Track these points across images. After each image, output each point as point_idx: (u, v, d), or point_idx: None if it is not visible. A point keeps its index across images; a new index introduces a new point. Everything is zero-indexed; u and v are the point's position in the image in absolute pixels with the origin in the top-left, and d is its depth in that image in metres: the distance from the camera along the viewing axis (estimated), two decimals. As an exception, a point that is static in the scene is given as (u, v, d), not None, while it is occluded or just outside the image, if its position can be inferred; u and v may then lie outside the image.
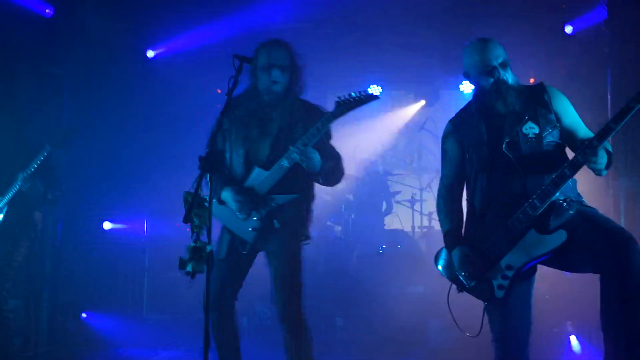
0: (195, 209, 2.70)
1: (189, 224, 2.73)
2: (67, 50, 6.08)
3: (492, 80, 3.17)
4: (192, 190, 2.76)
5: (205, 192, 2.77)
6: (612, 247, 2.81)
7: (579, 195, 3.14)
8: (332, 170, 3.74)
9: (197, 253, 2.66)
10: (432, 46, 7.44)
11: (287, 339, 3.66)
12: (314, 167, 3.57)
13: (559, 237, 2.97)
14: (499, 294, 3.12)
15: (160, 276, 6.52)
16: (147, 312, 6.49)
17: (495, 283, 3.14)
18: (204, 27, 6.75)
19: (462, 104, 3.50)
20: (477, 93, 3.32)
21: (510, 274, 3.09)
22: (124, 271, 6.69)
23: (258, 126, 3.66)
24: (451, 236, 3.31)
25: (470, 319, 3.33)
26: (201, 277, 2.70)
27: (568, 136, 3.14)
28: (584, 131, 3.14)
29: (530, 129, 3.09)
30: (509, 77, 3.17)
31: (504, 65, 3.17)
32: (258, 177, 3.61)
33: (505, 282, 3.10)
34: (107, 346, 5.67)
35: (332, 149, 3.80)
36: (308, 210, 3.78)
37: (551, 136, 3.10)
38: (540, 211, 2.99)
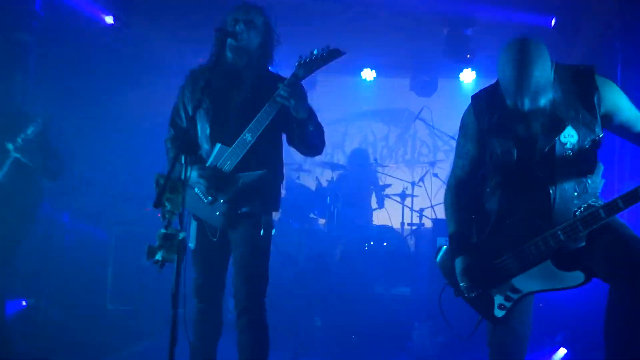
0: (168, 193, 2.69)
1: (160, 209, 2.72)
2: (33, 17, 6.06)
3: (513, 105, 2.94)
4: (165, 173, 2.75)
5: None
6: (625, 257, 2.80)
7: (599, 199, 3.09)
8: (319, 126, 3.62)
9: (168, 241, 2.65)
10: (433, 30, 7.44)
11: (242, 338, 3.55)
12: (304, 109, 3.44)
13: (575, 279, 2.96)
14: (499, 313, 3.15)
15: (126, 265, 6.49)
16: (110, 302, 6.45)
17: (496, 301, 3.16)
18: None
19: (462, 94, 3.42)
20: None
21: (515, 296, 3.12)
22: (86, 259, 6.65)
23: (222, 98, 3.58)
24: (457, 241, 3.24)
25: (461, 321, 3.36)
26: (172, 267, 2.70)
27: (624, 131, 3.04)
28: None
29: (569, 137, 2.94)
30: (540, 102, 2.90)
31: (538, 91, 2.86)
32: (221, 154, 3.53)
33: (508, 304, 3.12)
34: (66, 339, 5.64)
35: None
36: (276, 191, 3.70)
37: (589, 144, 2.98)
38: (564, 245, 2.95)
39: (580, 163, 2.98)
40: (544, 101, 2.90)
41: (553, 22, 6.31)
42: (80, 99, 6.45)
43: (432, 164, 8.51)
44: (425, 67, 9.13)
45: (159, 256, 2.66)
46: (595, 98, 2.94)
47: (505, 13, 6.73)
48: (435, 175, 8.25)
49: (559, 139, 2.95)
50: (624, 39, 5.70)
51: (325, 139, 3.75)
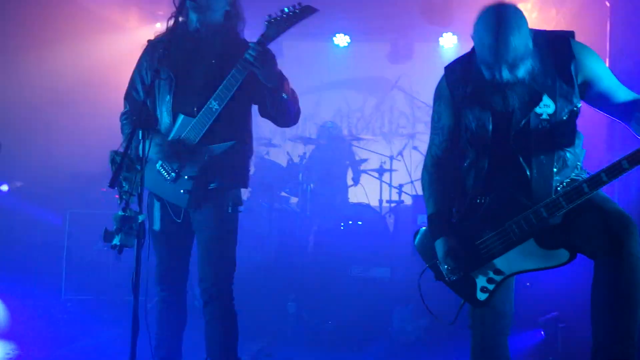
0: (125, 171, 2.67)
1: (116, 189, 2.70)
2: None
3: (490, 76, 2.94)
4: (121, 150, 2.73)
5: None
6: (607, 231, 2.85)
7: (582, 170, 3.13)
8: (294, 93, 3.58)
9: (126, 224, 2.64)
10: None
11: (209, 327, 3.55)
12: (273, 75, 3.40)
13: (560, 257, 2.99)
14: (482, 296, 3.18)
15: (82, 250, 6.44)
16: (66, 292, 6.41)
17: (479, 284, 3.19)
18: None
19: (442, 60, 3.42)
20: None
21: (498, 278, 3.14)
22: (38, 244, 6.59)
23: (184, 66, 3.51)
24: (437, 222, 3.26)
25: (443, 305, 3.39)
26: (131, 252, 2.68)
27: (602, 101, 3.03)
28: (624, 93, 3.01)
29: (545, 107, 2.97)
30: (519, 72, 2.90)
31: (516, 61, 2.86)
32: (184, 126, 3.47)
33: (491, 286, 3.16)
34: (18, 331, 5.60)
35: None
36: (245, 166, 3.66)
37: (567, 115, 3.00)
38: (546, 222, 2.98)
39: (557, 136, 3.01)
40: (522, 71, 2.90)
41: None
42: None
43: (412, 136, 8.54)
44: (402, 32, 9.12)
45: (116, 240, 2.65)
46: (572, 66, 2.95)
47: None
48: (415, 148, 8.28)
49: (535, 110, 2.98)
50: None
51: None
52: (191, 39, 3.55)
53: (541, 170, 3.01)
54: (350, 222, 7.16)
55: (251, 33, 3.62)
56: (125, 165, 2.66)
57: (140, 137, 2.76)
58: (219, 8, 3.54)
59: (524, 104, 2.99)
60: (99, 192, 6.55)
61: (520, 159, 3.03)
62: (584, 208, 2.91)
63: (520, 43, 2.84)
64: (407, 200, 8.01)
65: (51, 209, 6.79)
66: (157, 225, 3.61)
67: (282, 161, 8.25)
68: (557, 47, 3.00)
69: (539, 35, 2.99)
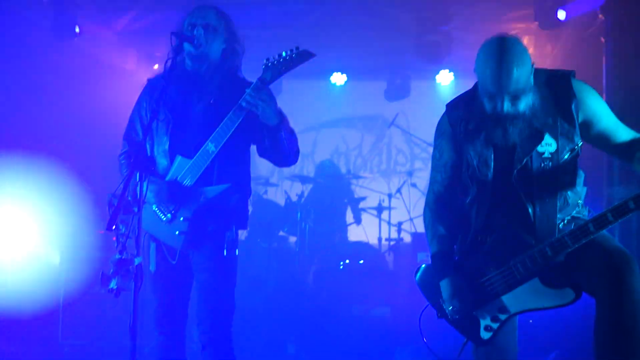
0: (122, 214, 2.66)
1: (113, 231, 2.68)
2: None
3: (491, 108, 2.95)
4: (118, 192, 2.72)
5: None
6: (608, 269, 2.85)
7: (584, 207, 3.13)
8: (292, 132, 3.57)
9: (123, 267, 2.62)
10: (405, 29, 7.48)
11: None
12: (274, 114, 3.38)
13: (565, 297, 2.99)
14: (486, 335, 3.16)
15: (79, 294, 6.39)
16: (63, 337, 6.34)
17: (483, 323, 3.17)
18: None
19: (439, 98, 3.43)
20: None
21: (502, 317, 3.13)
22: (33, 287, 6.53)
23: (182, 108, 3.52)
24: (441, 261, 3.24)
25: (445, 344, 3.36)
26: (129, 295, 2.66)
27: (602, 140, 3.06)
28: (625, 132, 3.04)
29: (547, 145, 2.99)
30: (520, 106, 2.92)
31: (518, 93, 2.89)
32: (181, 167, 3.46)
33: (495, 325, 3.14)
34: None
35: None
36: (243, 207, 3.64)
37: (568, 153, 3.02)
38: (550, 261, 2.97)
39: (560, 175, 3.02)
40: (523, 105, 2.93)
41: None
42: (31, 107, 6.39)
43: (410, 173, 8.55)
44: (399, 70, 9.19)
45: (113, 284, 2.63)
46: (573, 105, 2.97)
47: (484, 8, 6.80)
48: (414, 185, 8.29)
49: (537, 149, 2.99)
50: (610, 34, 5.81)
51: None
52: (189, 79, 3.56)
53: (544, 208, 3.01)
54: (347, 262, 7.12)
55: (251, 69, 3.66)
56: (122, 208, 2.65)
57: (137, 179, 2.76)
58: (217, 47, 3.56)
59: (524, 139, 3.00)
60: (96, 234, 6.52)
61: (523, 196, 3.03)
62: (584, 246, 2.91)
63: (522, 74, 2.87)
64: (407, 238, 7.98)
65: (48, 251, 6.75)
66: (152, 266, 3.58)
67: (280, 200, 8.24)
68: (558, 86, 3.02)
69: (539, 74, 3.02)
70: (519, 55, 2.88)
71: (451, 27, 7.26)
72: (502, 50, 2.88)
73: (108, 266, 2.65)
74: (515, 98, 2.89)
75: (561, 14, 6.42)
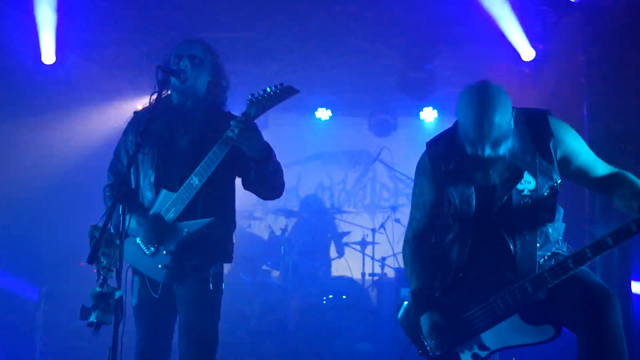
0: (104, 247, 2.64)
1: (94, 264, 2.66)
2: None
3: (472, 152, 2.99)
4: (100, 224, 2.70)
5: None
6: (589, 305, 2.87)
7: (563, 243, 3.17)
8: (279, 165, 3.56)
9: (104, 300, 2.59)
10: (390, 66, 7.56)
11: None
12: (260, 148, 3.37)
13: (545, 333, 3.00)
14: None
15: (58, 327, 6.31)
16: (40, 370, 6.24)
17: (463, 359, 3.17)
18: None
19: (423, 134, 3.45)
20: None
21: (482, 354, 3.13)
22: (12, 320, 6.45)
23: (167, 141, 3.52)
24: (420, 297, 3.26)
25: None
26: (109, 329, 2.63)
27: (581, 176, 3.11)
28: (602, 167, 3.09)
29: (527, 183, 3.03)
30: (500, 150, 2.96)
31: (499, 139, 2.93)
32: (165, 201, 3.46)
33: None
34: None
35: None
36: (227, 241, 3.63)
37: (547, 191, 3.06)
38: (530, 297, 2.98)
39: (539, 211, 3.06)
40: (503, 149, 2.98)
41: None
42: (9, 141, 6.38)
43: (394, 208, 8.56)
44: (383, 106, 9.25)
45: (93, 317, 2.60)
46: (551, 143, 3.03)
47: (468, 47, 6.89)
48: (397, 220, 8.29)
49: (517, 187, 3.03)
50: (589, 74, 5.90)
51: None
52: (175, 112, 3.56)
53: (525, 245, 3.04)
54: (330, 296, 7.09)
55: (236, 104, 3.67)
56: (104, 240, 2.63)
57: (120, 212, 2.74)
58: (202, 80, 3.58)
59: (504, 180, 3.04)
60: (77, 266, 6.46)
61: (504, 234, 3.06)
62: (565, 282, 2.94)
63: (503, 122, 2.92)
64: (390, 273, 7.96)
65: (27, 283, 6.68)
66: (135, 300, 3.56)
67: (264, 234, 8.21)
68: (535, 124, 3.07)
69: (517, 113, 3.07)
70: (500, 103, 2.92)
71: (435, 65, 7.34)
72: (483, 98, 2.93)
73: (88, 299, 2.63)
74: (496, 143, 2.94)
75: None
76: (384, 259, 8.10)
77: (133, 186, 3.55)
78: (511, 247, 3.04)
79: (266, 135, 3.49)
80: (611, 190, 2.99)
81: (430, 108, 8.96)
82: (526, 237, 3.03)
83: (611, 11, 5.61)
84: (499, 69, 7.07)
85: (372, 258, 8.19)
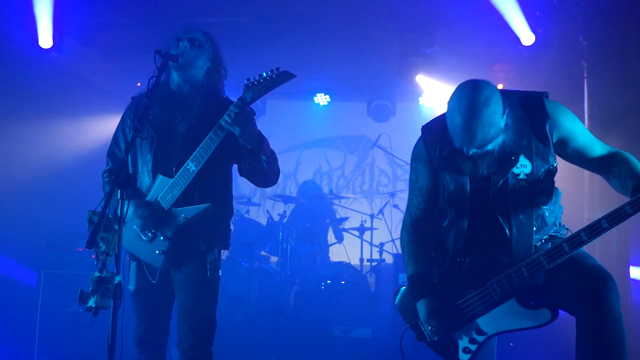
0: (102, 232, 2.64)
1: (93, 249, 2.66)
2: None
3: (459, 147, 3.00)
4: (99, 209, 2.70)
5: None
6: (587, 288, 2.88)
7: (561, 226, 3.18)
8: (273, 154, 3.58)
9: (103, 285, 2.60)
10: (389, 51, 7.54)
11: None
12: (252, 136, 3.38)
13: (542, 317, 3.01)
14: (464, 357, 3.18)
15: (56, 312, 6.32)
16: (39, 356, 6.26)
17: (461, 344, 3.19)
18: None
19: (422, 119, 3.43)
20: None
21: (480, 339, 3.15)
22: (10, 305, 6.45)
23: (165, 126, 3.53)
24: (417, 282, 3.27)
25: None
26: (107, 314, 2.63)
27: (579, 157, 3.09)
28: (600, 147, 3.07)
29: (522, 167, 3.02)
30: (488, 147, 2.96)
31: (484, 143, 2.92)
32: (162, 186, 3.47)
33: (473, 347, 3.16)
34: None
35: None
36: (224, 227, 3.65)
37: (543, 174, 3.05)
38: (527, 282, 2.99)
39: (536, 195, 3.06)
40: (491, 146, 2.97)
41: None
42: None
43: (392, 194, 8.57)
44: (382, 91, 9.24)
45: (92, 302, 2.60)
46: (547, 126, 3.01)
47: (467, 31, 6.87)
48: (396, 206, 8.30)
49: (512, 171, 3.02)
50: (590, 58, 5.89)
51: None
52: (173, 98, 3.56)
53: (521, 229, 3.04)
54: (329, 282, 7.10)
55: (233, 89, 3.66)
56: (102, 225, 2.63)
57: (118, 197, 2.74)
58: (201, 66, 3.58)
59: (493, 172, 3.04)
60: (75, 252, 6.46)
61: (500, 218, 3.06)
62: (563, 265, 2.94)
63: (489, 131, 2.88)
64: (388, 259, 7.98)
65: (25, 269, 6.68)
66: (132, 285, 3.57)
67: (262, 220, 8.22)
68: (531, 107, 3.05)
69: (512, 97, 3.05)
70: (487, 110, 2.87)
71: (434, 50, 7.32)
72: (469, 106, 2.88)
73: (87, 284, 2.63)
74: (481, 146, 2.94)
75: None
76: (382, 244, 8.11)
77: (131, 171, 3.55)
78: (507, 231, 3.05)
79: (264, 121, 3.50)
80: (608, 169, 2.98)
81: (429, 93, 8.94)
82: (522, 221, 3.03)
83: (611, -6, 5.60)
84: (498, 54, 7.07)
85: (371, 244, 8.21)
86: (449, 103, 2.98)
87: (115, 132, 3.71)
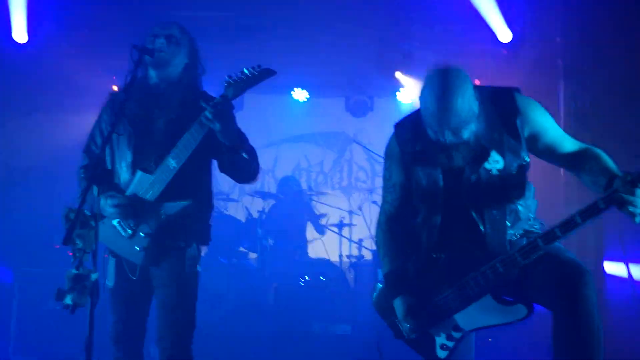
0: (78, 228, 2.62)
1: (70, 246, 2.64)
2: None
3: (435, 137, 2.97)
4: (75, 206, 2.68)
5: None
6: (563, 282, 2.90)
7: (536, 220, 3.19)
8: (253, 150, 3.55)
9: (80, 282, 2.58)
10: (366, 46, 7.55)
11: None
12: (231, 133, 3.36)
13: (518, 313, 3.02)
14: (442, 354, 3.19)
15: (32, 310, 6.27)
16: (14, 354, 6.20)
17: (438, 341, 3.20)
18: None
19: (399, 115, 3.42)
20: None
21: (457, 335, 3.16)
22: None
23: (144, 122, 3.50)
24: (393, 280, 3.28)
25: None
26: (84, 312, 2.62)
27: (550, 152, 3.09)
28: (570, 143, 3.07)
29: (495, 162, 3.02)
30: (463, 135, 2.93)
31: (460, 126, 2.89)
32: (142, 182, 3.44)
33: (451, 344, 3.17)
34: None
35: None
36: (204, 224, 3.64)
37: (516, 169, 3.05)
38: (502, 277, 3.00)
39: (508, 190, 3.07)
40: (467, 134, 2.95)
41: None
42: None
43: (371, 190, 8.59)
44: (360, 87, 9.25)
45: (69, 300, 2.59)
46: (518, 121, 3.01)
47: (444, 28, 6.90)
48: (375, 202, 8.32)
49: (484, 166, 3.03)
50: (566, 56, 5.95)
51: None
52: (151, 93, 3.54)
53: (494, 224, 3.05)
54: (308, 278, 7.11)
55: (212, 85, 3.65)
56: (79, 222, 2.61)
57: (95, 193, 2.73)
58: (179, 62, 3.57)
59: (470, 160, 3.04)
60: (52, 248, 6.41)
61: (473, 214, 3.08)
62: (539, 260, 2.95)
63: (463, 109, 2.87)
64: (367, 255, 8.00)
65: (0, 266, 6.62)
66: (111, 282, 3.55)
67: (241, 216, 8.20)
68: (502, 102, 3.05)
69: (484, 92, 3.05)
70: (460, 89, 2.87)
71: (412, 46, 7.35)
72: (443, 86, 2.89)
73: (64, 281, 2.62)
74: (457, 130, 2.91)
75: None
76: (361, 240, 8.14)
77: (111, 166, 3.53)
78: (481, 227, 3.06)
79: (242, 117, 3.49)
80: (579, 166, 2.99)
81: (407, 89, 8.98)
82: (496, 216, 3.05)
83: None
84: (476, 50, 7.11)
85: (350, 240, 8.23)
86: (422, 91, 2.98)
87: (92, 128, 3.68)
